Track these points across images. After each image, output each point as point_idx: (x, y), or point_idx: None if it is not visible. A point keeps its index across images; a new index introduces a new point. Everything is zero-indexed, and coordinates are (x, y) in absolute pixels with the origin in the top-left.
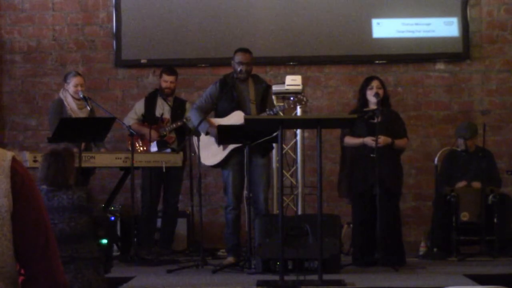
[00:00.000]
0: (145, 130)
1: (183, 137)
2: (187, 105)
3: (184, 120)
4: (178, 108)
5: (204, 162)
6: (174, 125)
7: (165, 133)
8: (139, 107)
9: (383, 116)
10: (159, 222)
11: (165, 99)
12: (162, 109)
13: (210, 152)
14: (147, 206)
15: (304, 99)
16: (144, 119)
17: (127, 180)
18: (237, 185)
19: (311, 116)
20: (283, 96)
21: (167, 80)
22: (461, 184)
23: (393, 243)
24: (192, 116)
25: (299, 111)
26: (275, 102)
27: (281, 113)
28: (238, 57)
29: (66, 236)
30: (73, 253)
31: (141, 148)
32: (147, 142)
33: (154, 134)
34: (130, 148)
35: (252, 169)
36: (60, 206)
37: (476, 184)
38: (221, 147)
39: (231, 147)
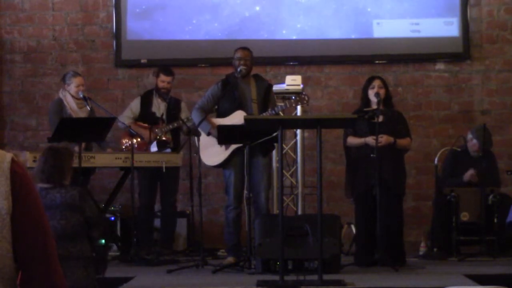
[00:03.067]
0: (141, 131)
1: (178, 138)
2: (182, 105)
3: (181, 121)
4: (174, 108)
5: (206, 163)
6: (171, 126)
7: (160, 134)
8: (135, 106)
9: (385, 116)
10: (157, 222)
11: (161, 99)
12: (158, 108)
13: (212, 152)
14: (144, 207)
15: (306, 98)
16: (146, 119)
17: (127, 180)
18: (238, 185)
19: (311, 116)
20: (283, 96)
21: (164, 80)
22: (468, 174)
23: (394, 243)
24: (194, 117)
25: (299, 111)
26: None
27: (281, 113)
28: (238, 54)
29: (57, 234)
30: (63, 252)
31: (128, 143)
32: (143, 142)
33: (149, 134)
34: (123, 148)
35: (253, 169)
36: (53, 204)
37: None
38: (223, 147)
39: (234, 147)
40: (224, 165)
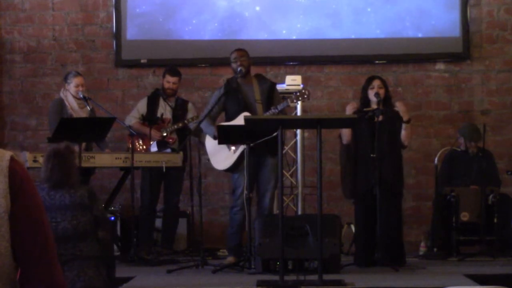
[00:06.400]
0: (147, 130)
1: (184, 138)
2: (189, 106)
3: (186, 121)
4: (180, 109)
5: (216, 167)
6: (176, 126)
7: (165, 133)
8: (142, 106)
9: (385, 116)
10: (158, 222)
11: (166, 100)
12: (164, 109)
13: (221, 156)
14: (146, 206)
15: (306, 92)
16: (144, 119)
17: (127, 180)
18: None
19: (311, 116)
20: (283, 96)
21: (170, 81)
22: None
23: (394, 243)
24: (204, 128)
25: (299, 110)
26: None
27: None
28: (233, 56)
29: (68, 234)
30: (75, 251)
31: (141, 147)
32: (147, 142)
33: (155, 134)
34: (130, 148)
35: (261, 169)
36: (62, 204)
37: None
38: (232, 150)
39: (241, 150)
40: (233, 169)
